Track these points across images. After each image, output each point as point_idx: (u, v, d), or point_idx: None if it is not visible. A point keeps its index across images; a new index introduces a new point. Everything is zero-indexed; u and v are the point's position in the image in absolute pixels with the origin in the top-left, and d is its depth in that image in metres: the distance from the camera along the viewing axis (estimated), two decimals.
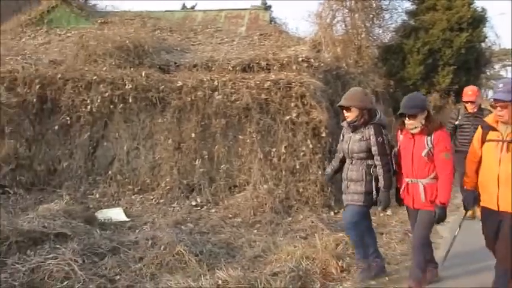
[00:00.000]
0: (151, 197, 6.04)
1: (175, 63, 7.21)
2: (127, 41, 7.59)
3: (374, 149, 3.46)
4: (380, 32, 12.77)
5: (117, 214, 5.39)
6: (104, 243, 4.18)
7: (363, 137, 3.51)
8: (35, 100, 6.30)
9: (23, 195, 5.90)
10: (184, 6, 16.25)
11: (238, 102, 6.21)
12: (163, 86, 6.42)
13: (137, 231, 4.84)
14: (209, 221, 5.34)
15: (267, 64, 6.88)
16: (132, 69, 6.80)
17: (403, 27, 12.17)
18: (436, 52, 11.27)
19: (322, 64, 7.30)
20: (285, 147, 6.15)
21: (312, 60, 6.95)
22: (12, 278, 3.56)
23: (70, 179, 6.23)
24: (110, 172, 6.32)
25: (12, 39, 10.44)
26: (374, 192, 3.48)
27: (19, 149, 6.28)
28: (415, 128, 3.32)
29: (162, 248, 4.04)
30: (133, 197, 6.06)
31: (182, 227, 5.03)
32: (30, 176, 6.25)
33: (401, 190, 3.50)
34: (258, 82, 6.32)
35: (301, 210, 5.71)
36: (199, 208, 5.86)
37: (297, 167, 6.10)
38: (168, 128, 6.36)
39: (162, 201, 5.93)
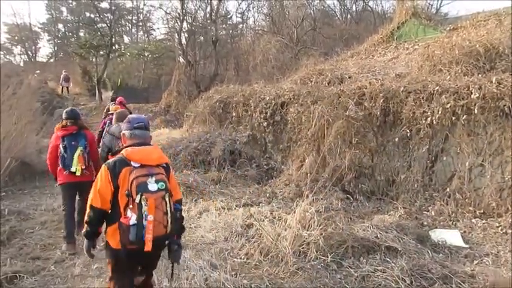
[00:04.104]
0: (497, 224, 5.11)
1: None
2: (477, 45, 7.03)
3: None
4: None
5: (453, 237, 4.87)
6: (434, 267, 3.84)
7: None
8: (378, 113, 6.60)
9: (363, 202, 6.30)
10: None
11: None
12: None
13: (475, 262, 4.20)
14: None
15: None
16: (480, 75, 6.11)
17: None
18: None
19: None
20: None
21: None
22: (345, 281, 3.82)
23: (406, 192, 6.16)
24: (448, 189, 5.83)
25: (365, 58, 11.63)
26: None
27: (363, 159, 6.79)
28: None
29: None
30: (473, 220, 5.33)
31: None
32: (371, 184, 6.61)
33: None
34: None
35: None
36: None
37: None
38: None
39: (510, 231, 4.91)
